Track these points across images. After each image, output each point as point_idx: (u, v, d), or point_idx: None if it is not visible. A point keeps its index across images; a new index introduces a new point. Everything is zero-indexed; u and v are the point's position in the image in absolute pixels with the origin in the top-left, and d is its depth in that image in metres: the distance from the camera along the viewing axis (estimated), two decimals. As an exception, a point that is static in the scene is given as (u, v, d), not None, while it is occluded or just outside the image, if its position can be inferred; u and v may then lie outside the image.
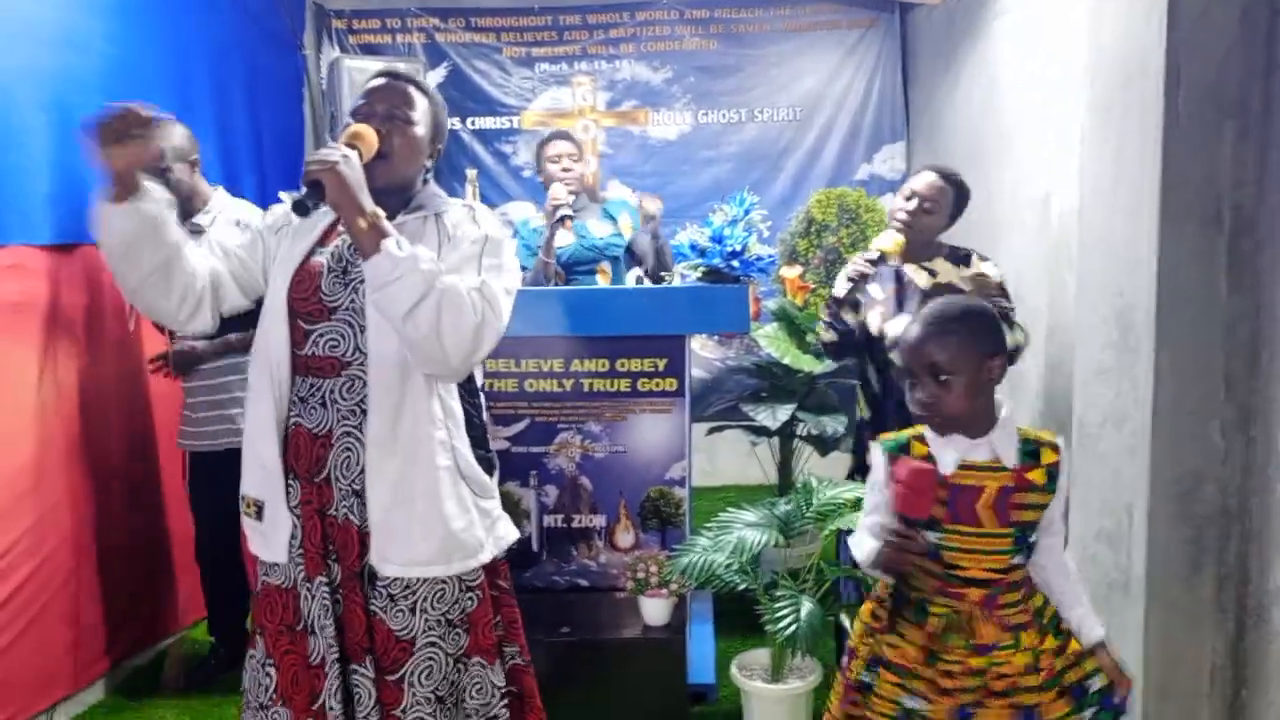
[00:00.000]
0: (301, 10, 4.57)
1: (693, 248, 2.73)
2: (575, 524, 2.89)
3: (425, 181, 1.78)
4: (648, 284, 3.36)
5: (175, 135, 2.79)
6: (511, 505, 2.90)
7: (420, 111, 1.73)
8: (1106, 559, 2.06)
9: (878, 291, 2.57)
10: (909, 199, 2.56)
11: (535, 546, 2.91)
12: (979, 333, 1.58)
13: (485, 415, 2.79)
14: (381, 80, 1.74)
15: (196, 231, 2.80)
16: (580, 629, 2.60)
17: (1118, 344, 2.03)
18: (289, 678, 1.68)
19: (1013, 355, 2.51)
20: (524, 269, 3.33)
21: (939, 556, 1.60)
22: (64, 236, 2.69)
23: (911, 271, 2.59)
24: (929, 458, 1.60)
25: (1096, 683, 1.63)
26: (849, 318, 2.59)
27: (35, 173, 2.59)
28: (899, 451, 1.65)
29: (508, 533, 1.82)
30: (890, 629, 1.64)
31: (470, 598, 1.74)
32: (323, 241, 1.72)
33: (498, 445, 2.87)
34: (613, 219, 3.30)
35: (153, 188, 1.55)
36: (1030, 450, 1.60)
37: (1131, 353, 1.97)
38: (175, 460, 3.08)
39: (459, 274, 1.60)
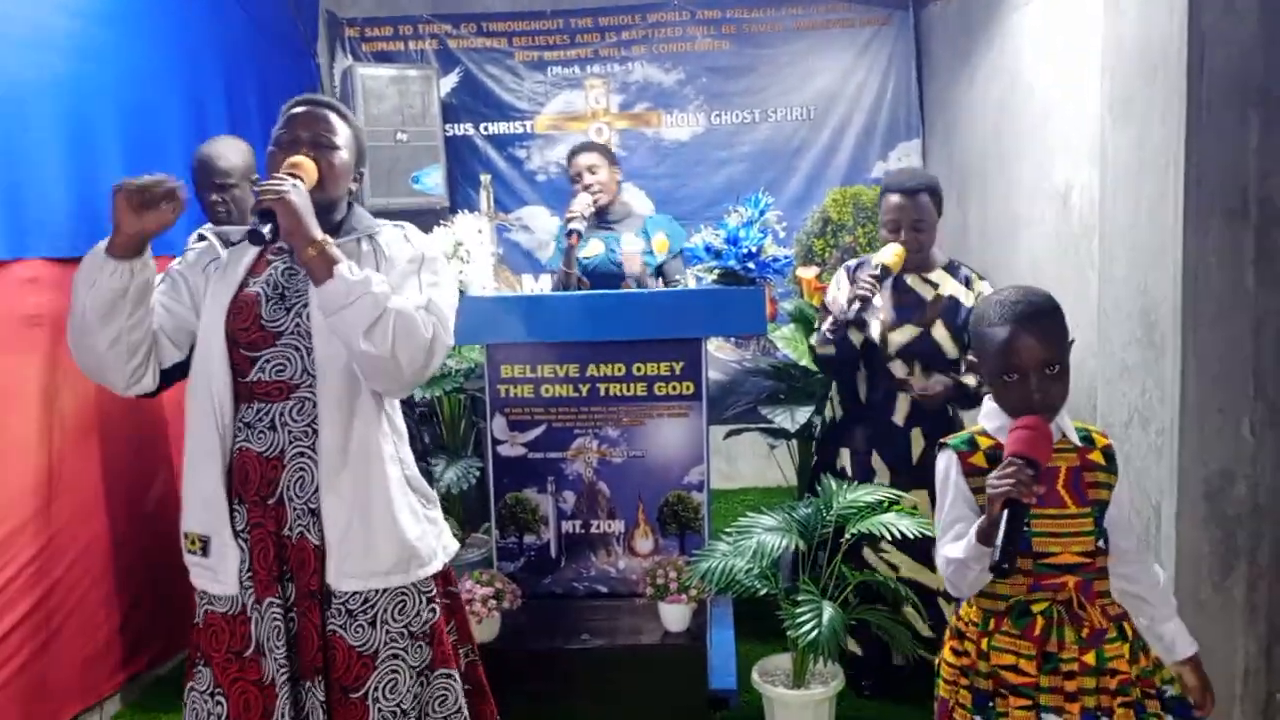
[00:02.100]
0: (315, 18, 4.58)
1: (708, 249, 2.71)
2: (594, 530, 2.88)
3: (350, 205, 1.82)
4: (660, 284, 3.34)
5: (243, 153, 2.80)
6: (529, 511, 2.89)
7: (343, 136, 1.77)
8: (1134, 560, 2.02)
9: (878, 300, 2.55)
10: (893, 226, 2.55)
11: (554, 553, 2.90)
12: (1063, 319, 1.58)
13: (490, 420, 2.79)
14: (303, 108, 1.77)
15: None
16: (600, 636, 2.58)
17: (1142, 341, 1.99)
18: (240, 705, 1.68)
19: None
20: (553, 272, 3.34)
21: (1029, 547, 1.54)
22: (80, 249, 2.65)
23: (913, 282, 2.58)
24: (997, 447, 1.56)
25: (1170, 690, 1.60)
26: (854, 336, 2.56)
27: (51, 185, 2.60)
28: (969, 448, 1.61)
29: (452, 542, 1.87)
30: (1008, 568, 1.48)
31: (431, 609, 1.77)
32: (254, 271, 1.75)
33: (515, 451, 2.87)
34: (648, 236, 3.28)
35: (148, 256, 1.59)
36: (1085, 435, 1.61)
37: (1157, 350, 1.94)
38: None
39: (400, 293, 1.65)
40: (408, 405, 1.82)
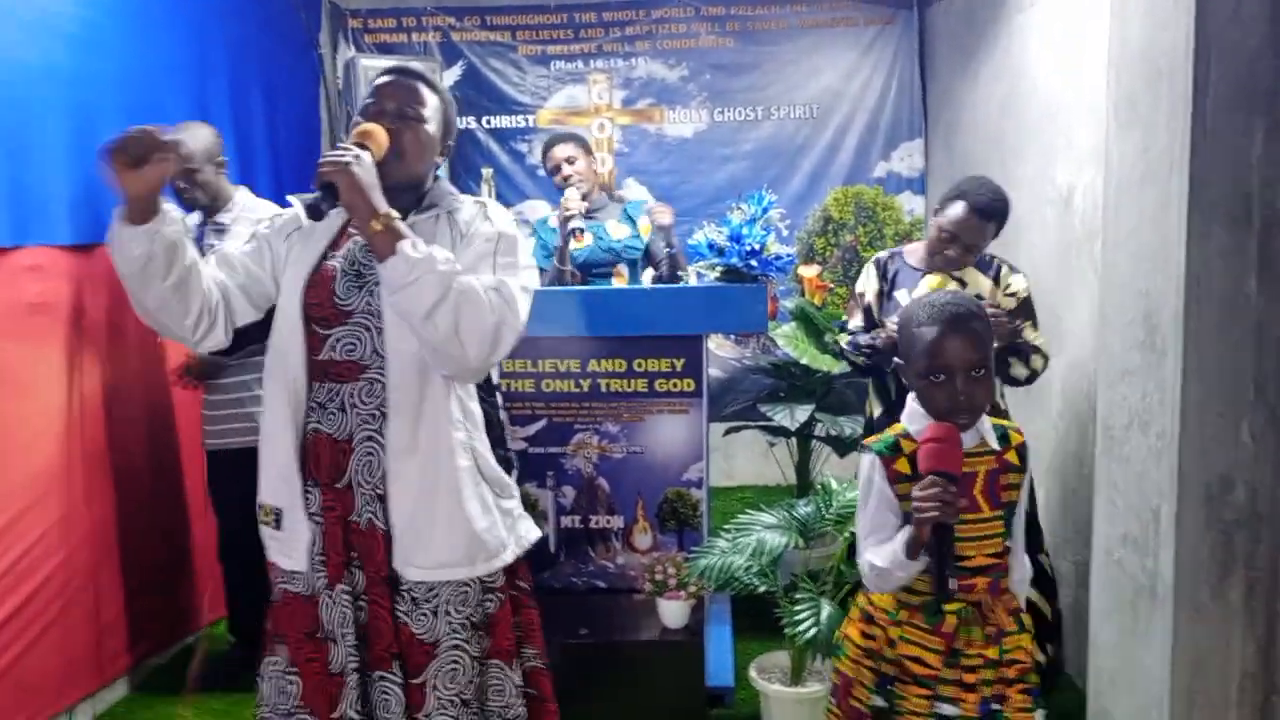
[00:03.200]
0: (318, 10, 4.58)
1: (710, 246, 2.71)
2: (593, 525, 2.89)
3: (436, 179, 1.76)
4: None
5: (204, 137, 2.81)
6: (529, 506, 2.89)
7: (431, 108, 1.70)
8: (1133, 563, 2.03)
9: (904, 297, 2.55)
10: (948, 239, 2.48)
11: (552, 548, 2.90)
12: (989, 325, 1.65)
13: (503, 414, 2.79)
14: (390, 77, 1.71)
15: (220, 230, 2.81)
16: (598, 631, 2.59)
17: (1144, 345, 2.00)
18: (312, 685, 1.67)
19: (1032, 377, 2.51)
20: (541, 270, 3.33)
21: None
22: (84, 237, 2.70)
23: (941, 281, 2.57)
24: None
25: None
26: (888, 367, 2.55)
27: (55, 173, 2.60)
28: (891, 451, 1.64)
29: (529, 532, 1.81)
30: (936, 611, 1.58)
31: (492, 600, 1.73)
32: (334, 245, 1.70)
33: (515, 445, 2.87)
34: (632, 220, 3.29)
35: (169, 208, 1.54)
36: (1002, 434, 1.66)
37: (1158, 354, 1.94)
38: (196, 460, 3.09)
39: (474, 273, 1.58)
40: (487, 390, 1.74)
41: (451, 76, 4.75)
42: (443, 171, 4.61)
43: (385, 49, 4.72)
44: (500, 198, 4.73)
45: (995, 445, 1.63)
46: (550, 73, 4.79)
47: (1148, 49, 1.98)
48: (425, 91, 1.71)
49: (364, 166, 1.52)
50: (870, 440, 1.70)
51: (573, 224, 3.07)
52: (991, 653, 1.61)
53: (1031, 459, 1.73)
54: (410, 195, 1.68)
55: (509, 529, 1.75)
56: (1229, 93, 1.81)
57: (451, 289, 1.51)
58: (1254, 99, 1.80)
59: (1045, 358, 2.52)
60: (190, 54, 3.28)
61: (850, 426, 3.28)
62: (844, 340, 2.67)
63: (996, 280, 2.59)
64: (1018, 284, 2.58)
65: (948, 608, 1.60)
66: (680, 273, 3.21)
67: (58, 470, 2.61)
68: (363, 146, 1.57)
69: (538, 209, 4.81)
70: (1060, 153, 2.95)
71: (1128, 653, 2.07)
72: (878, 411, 2.71)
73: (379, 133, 1.61)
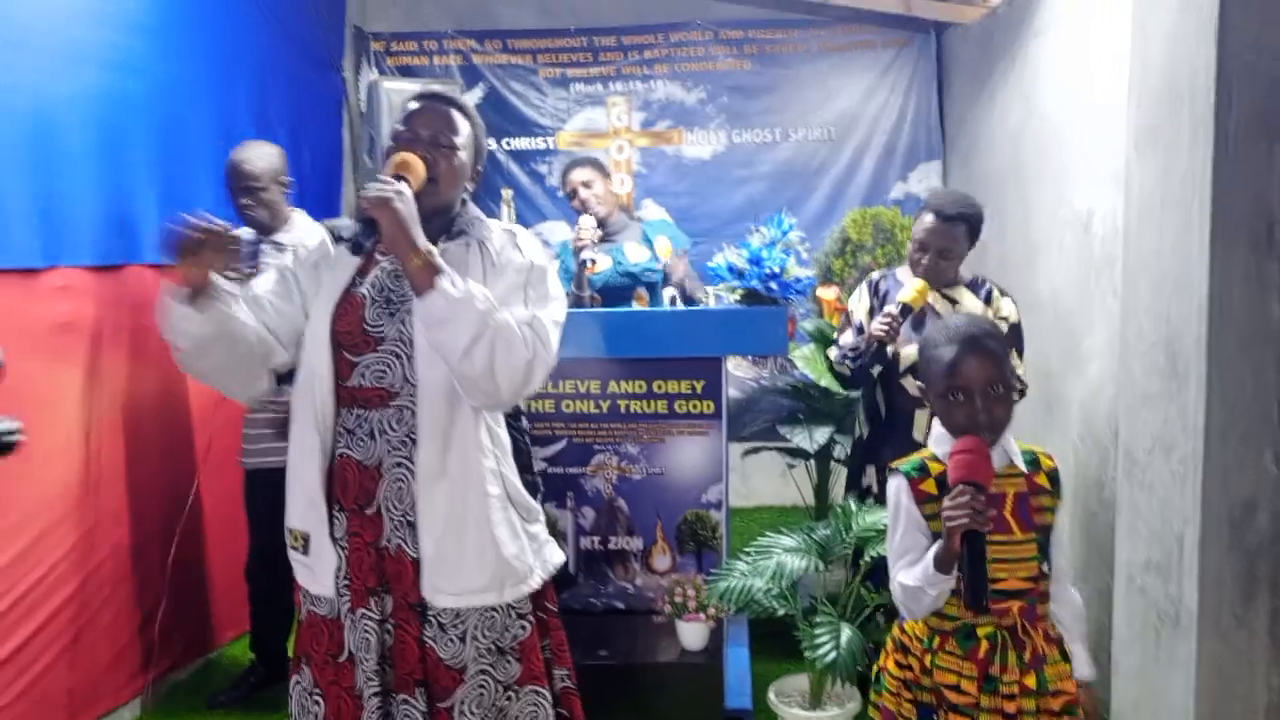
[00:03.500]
0: (341, 32, 4.64)
1: (730, 269, 2.73)
2: (612, 546, 2.89)
3: (464, 203, 1.76)
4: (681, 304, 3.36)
5: (270, 155, 2.85)
6: (548, 526, 2.90)
7: (464, 136, 1.70)
8: (1156, 590, 2.01)
9: (871, 348, 2.56)
10: (919, 248, 2.56)
11: (572, 568, 2.91)
12: (1007, 346, 1.68)
13: (527, 439, 2.81)
14: (423, 103, 1.71)
15: (279, 248, 2.84)
16: (617, 652, 2.59)
17: (1165, 370, 1.99)
18: (334, 708, 1.68)
19: None
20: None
21: None
22: (111, 258, 2.74)
23: (932, 299, 2.59)
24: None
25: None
26: (874, 370, 2.57)
27: (83, 194, 2.64)
28: (918, 473, 1.64)
29: (554, 556, 1.81)
30: (979, 605, 1.53)
31: (521, 625, 1.72)
32: (362, 272, 1.70)
33: (535, 466, 2.88)
34: (650, 242, 3.30)
35: (220, 283, 1.56)
36: (1031, 459, 1.66)
37: (1180, 379, 1.94)
38: (215, 478, 3.11)
39: (506, 304, 1.59)
40: (513, 416, 1.75)
41: (472, 99, 4.79)
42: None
43: (407, 72, 4.78)
44: (520, 219, 4.77)
45: (1023, 467, 1.63)
46: (570, 95, 4.84)
47: (1169, 74, 1.99)
48: (458, 119, 1.71)
49: (405, 201, 1.53)
50: (898, 463, 1.69)
51: (584, 254, 3.09)
52: (1030, 681, 1.58)
53: (1054, 484, 1.72)
54: (440, 221, 1.68)
55: (535, 553, 1.75)
56: (1251, 117, 1.81)
57: (489, 326, 1.51)
58: (1276, 123, 1.80)
59: (1023, 390, 2.52)
60: (216, 76, 3.34)
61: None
62: (833, 353, 2.70)
63: (988, 302, 2.60)
64: (1008, 309, 2.60)
65: (980, 631, 1.59)
66: (693, 287, 3.21)
67: (80, 489, 2.64)
68: (400, 178, 1.57)
69: (557, 230, 4.85)
70: (1079, 176, 2.95)
71: (1151, 680, 2.05)
72: (866, 432, 2.71)
73: (417, 164, 1.61)
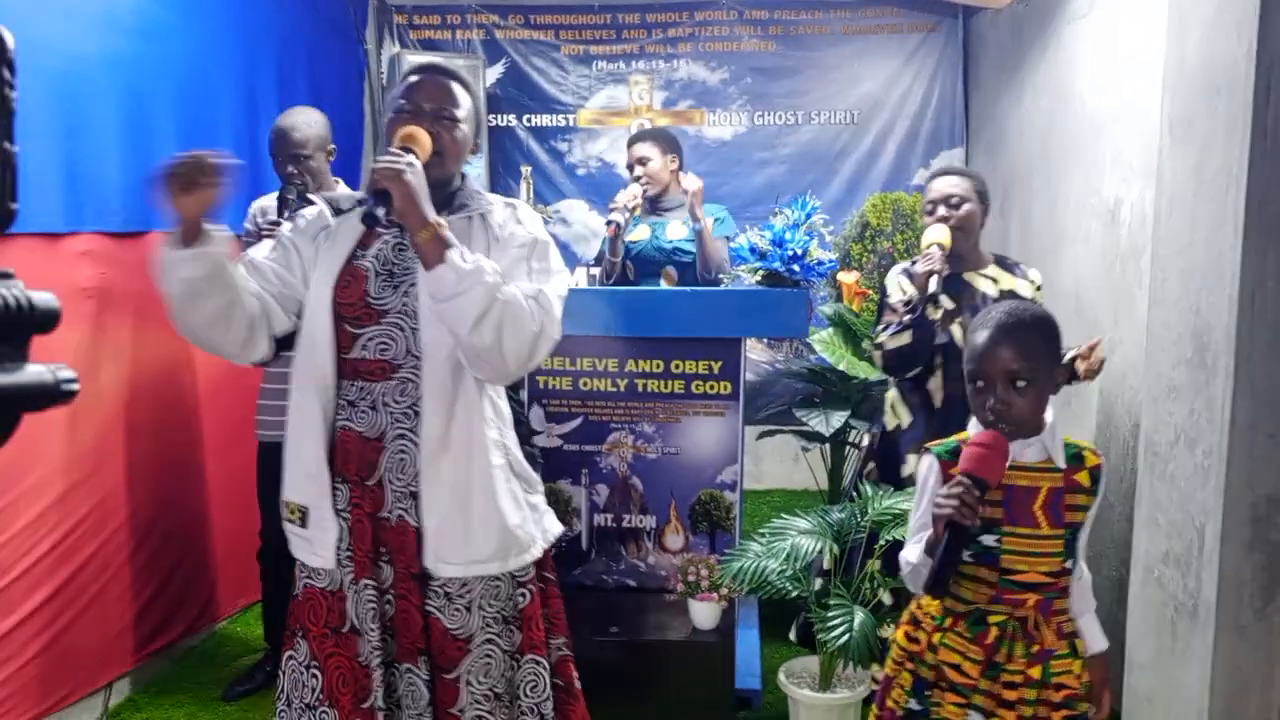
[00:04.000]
0: (364, 5, 4.62)
1: (752, 250, 2.71)
2: (625, 524, 2.89)
3: (464, 177, 1.76)
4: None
5: (317, 123, 2.78)
6: (562, 503, 2.91)
7: (465, 108, 1.71)
8: (1174, 582, 2.01)
9: (948, 301, 2.53)
10: (932, 208, 2.56)
11: (585, 545, 2.92)
12: (1050, 339, 1.61)
13: (537, 409, 2.80)
14: (423, 76, 1.70)
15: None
16: (628, 630, 2.60)
17: (1192, 362, 1.98)
18: (335, 679, 1.68)
19: None
20: (599, 258, 3.33)
21: (996, 561, 1.59)
22: (135, 225, 2.75)
23: (973, 279, 2.56)
24: None
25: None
26: (934, 313, 2.49)
27: (107, 161, 2.64)
28: (951, 456, 1.64)
29: (554, 526, 1.84)
30: (943, 591, 1.58)
31: (523, 594, 1.75)
32: (363, 244, 1.70)
33: (551, 442, 2.89)
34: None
35: (215, 230, 1.54)
36: (1075, 454, 1.62)
37: (1207, 371, 1.92)
38: (223, 451, 3.11)
39: (510, 277, 1.59)
40: (513, 388, 1.75)
41: (494, 74, 4.77)
42: (480, 168, 4.60)
43: (430, 45, 4.76)
44: (538, 196, 4.76)
45: (1061, 463, 1.60)
46: (592, 72, 4.81)
47: (1206, 64, 1.96)
48: (459, 91, 1.71)
49: (416, 173, 1.53)
50: (933, 444, 1.69)
51: (611, 216, 3.07)
52: (1035, 672, 1.58)
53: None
54: (440, 195, 1.67)
55: (536, 523, 1.77)
56: (1289, 110, 1.79)
57: (497, 300, 1.52)
58: (1315, 117, 1.78)
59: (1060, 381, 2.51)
60: (240, 45, 3.33)
61: (885, 434, 3.27)
62: (882, 336, 2.56)
63: (1022, 275, 2.60)
64: (1037, 276, 2.63)
65: (991, 619, 1.59)
66: (709, 256, 3.12)
67: (103, 451, 2.66)
68: (407, 150, 1.57)
69: (575, 208, 4.84)
70: (1108, 166, 2.92)
71: (1165, 672, 2.05)
72: (905, 421, 2.67)
73: (424, 137, 1.61)
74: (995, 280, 2.58)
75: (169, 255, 1.53)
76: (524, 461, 1.78)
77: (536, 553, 1.75)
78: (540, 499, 1.82)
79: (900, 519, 2.37)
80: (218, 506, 3.19)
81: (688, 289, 3.12)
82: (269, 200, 2.79)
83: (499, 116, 4.79)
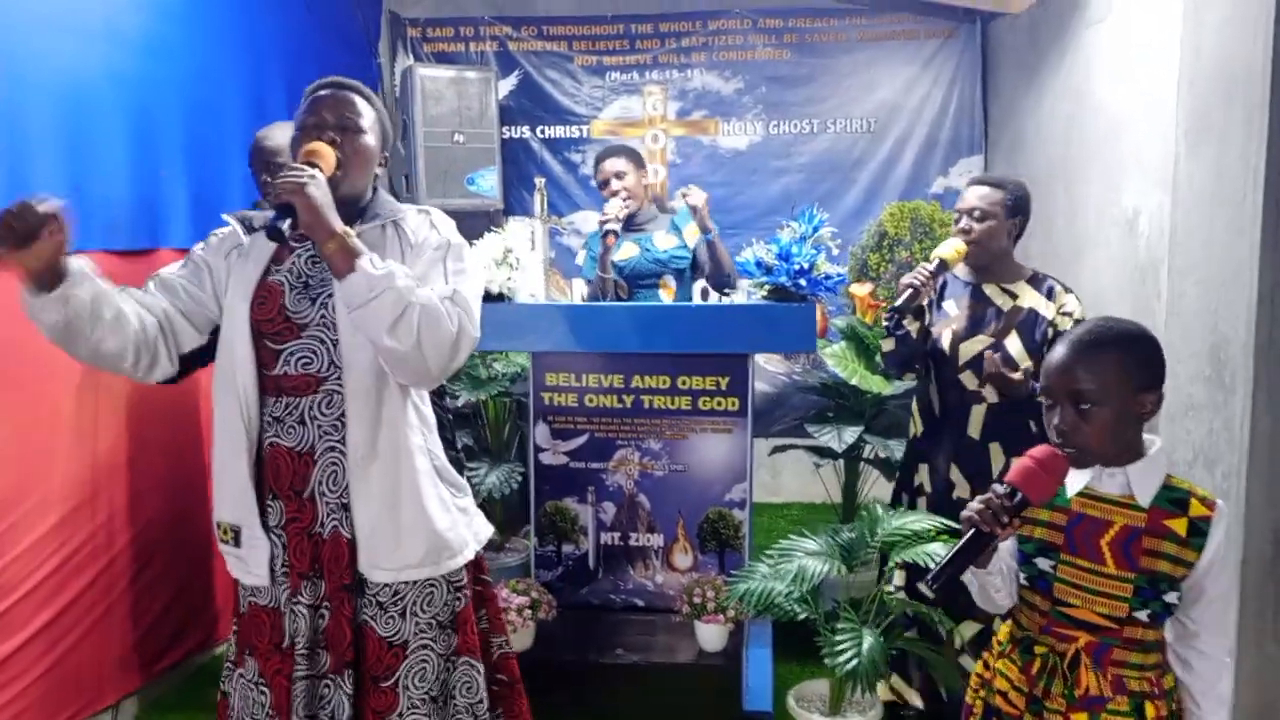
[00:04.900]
0: (378, 18, 4.63)
1: (759, 264, 2.66)
2: (632, 542, 2.85)
3: (375, 190, 1.77)
4: (713, 297, 3.29)
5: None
6: (568, 520, 2.87)
7: (369, 120, 1.72)
8: (1194, 607, 1.93)
9: (952, 308, 2.46)
10: (960, 217, 2.48)
11: (591, 564, 2.88)
12: (1136, 361, 1.42)
13: (533, 427, 2.77)
14: (326, 91, 1.72)
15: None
16: (634, 651, 2.56)
17: (1210, 379, 1.90)
18: (279, 697, 1.68)
19: None
20: (589, 280, 3.31)
21: (1049, 589, 1.48)
22: (141, 242, 2.75)
23: (991, 292, 2.49)
24: None
25: None
26: (911, 326, 2.47)
27: (114, 179, 2.65)
28: None
29: (484, 528, 1.85)
30: (938, 585, 1.43)
31: (458, 598, 1.77)
32: (277, 260, 1.71)
33: (556, 459, 2.85)
34: (679, 230, 3.25)
35: (78, 265, 1.50)
36: (1176, 498, 1.43)
37: (1226, 389, 1.85)
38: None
39: (426, 281, 1.61)
40: (436, 394, 1.76)
41: (507, 86, 4.77)
42: (494, 180, 4.57)
43: (443, 58, 4.76)
44: (553, 208, 4.72)
45: (1144, 502, 1.43)
46: (605, 83, 4.78)
47: (1223, 60, 1.89)
48: (361, 103, 1.72)
49: (319, 185, 1.54)
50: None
51: (607, 226, 3.04)
52: (1078, 717, 1.46)
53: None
54: (352, 208, 1.68)
55: (467, 526, 1.78)
56: (1309, 113, 1.72)
57: (412, 303, 1.53)
58: (1336, 121, 1.71)
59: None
60: (249, 59, 3.33)
61: (901, 450, 3.19)
62: (884, 345, 2.56)
63: (1050, 297, 2.49)
64: (1072, 305, 2.47)
65: (1037, 649, 1.50)
66: (722, 262, 3.11)
67: (109, 468, 2.66)
68: (312, 164, 1.58)
69: (590, 219, 4.81)
70: (1128, 173, 2.84)
71: (1187, 701, 1.96)
72: (920, 429, 2.61)
73: (327, 151, 1.62)
74: (1015, 296, 2.49)
75: (30, 302, 1.50)
76: (450, 467, 1.80)
77: (469, 555, 1.78)
78: (469, 502, 1.83)
79: (912, 539, 2.31)
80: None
81: (693, 304, 3.08)
82: (257, 212, 2.79)
83: (512, 128, 4.77)
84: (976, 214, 2.44)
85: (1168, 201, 2.38)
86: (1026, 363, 2.35)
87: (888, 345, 2.54)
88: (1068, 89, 3.46)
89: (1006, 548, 1.51)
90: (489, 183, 4.49)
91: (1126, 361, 1.41)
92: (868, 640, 2.20)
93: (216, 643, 3.21)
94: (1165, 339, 2.13)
